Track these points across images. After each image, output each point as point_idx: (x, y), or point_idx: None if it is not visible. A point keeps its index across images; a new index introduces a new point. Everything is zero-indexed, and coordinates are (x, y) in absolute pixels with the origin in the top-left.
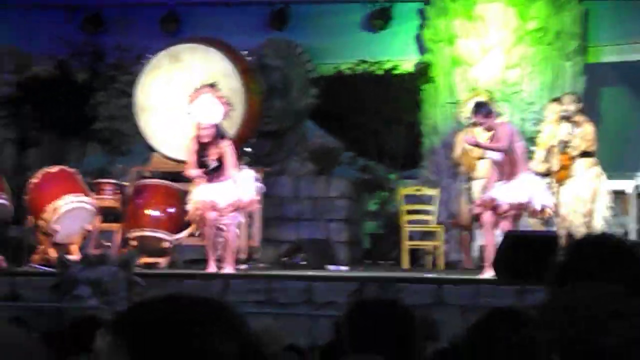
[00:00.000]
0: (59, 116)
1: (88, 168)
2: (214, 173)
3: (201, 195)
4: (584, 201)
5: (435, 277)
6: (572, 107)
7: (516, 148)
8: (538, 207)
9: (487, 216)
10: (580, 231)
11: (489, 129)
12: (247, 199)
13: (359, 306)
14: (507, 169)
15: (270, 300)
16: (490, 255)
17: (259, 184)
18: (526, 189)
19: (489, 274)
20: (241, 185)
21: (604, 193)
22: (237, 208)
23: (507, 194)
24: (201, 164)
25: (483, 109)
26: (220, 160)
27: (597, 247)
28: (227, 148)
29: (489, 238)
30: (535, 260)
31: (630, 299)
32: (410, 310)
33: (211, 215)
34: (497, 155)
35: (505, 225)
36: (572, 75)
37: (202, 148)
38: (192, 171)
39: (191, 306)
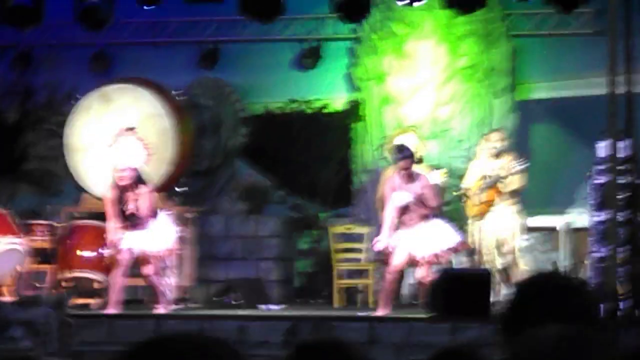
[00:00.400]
0: None
1: (18, 208)
2: (133, 221)
3: (123, 242)
4: (506, 238)
5: (369, 316)
6: (499, 144)
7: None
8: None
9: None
10: (504, 268)
11: (409, 176)
12: (163, 248)
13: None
14: (416, 214)
15: None
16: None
17: (179, 229)
18: (435, 235)
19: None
20: (158, 234)
21: (523, 229)
22: (155, 258)
23: (418, 243)
24: (121, 212)
25: (406, 152)
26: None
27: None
28: (144, 195)
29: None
30: (469, 297)
31: (593, 338)
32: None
33: (124, 258)
34: (409, 199)
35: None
36: (502, 112)
37: (122, 193)
38: (110, 226)
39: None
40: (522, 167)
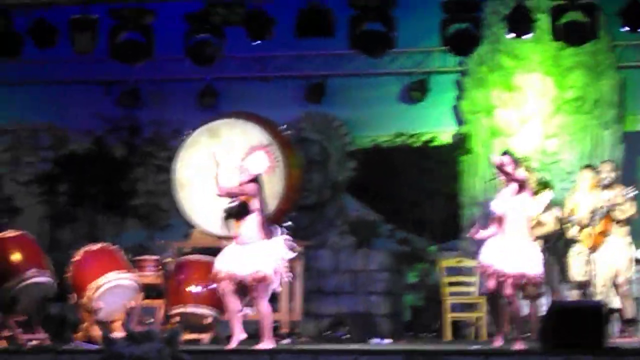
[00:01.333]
0: (96, 192)
1: (126, 244)
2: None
3: None
4: (619, 269)
5: (482, 349)
6: (611, 175)
7: None
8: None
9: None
10: (618, 301)
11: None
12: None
13: None
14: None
15: None
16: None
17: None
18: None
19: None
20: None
21: (634, 261)
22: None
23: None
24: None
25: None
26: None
27: None
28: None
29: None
30: (582, 330)
31: None
32: None
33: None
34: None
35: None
36: (610, 143)
37: None
38: None
39: None
40: (634, 193)
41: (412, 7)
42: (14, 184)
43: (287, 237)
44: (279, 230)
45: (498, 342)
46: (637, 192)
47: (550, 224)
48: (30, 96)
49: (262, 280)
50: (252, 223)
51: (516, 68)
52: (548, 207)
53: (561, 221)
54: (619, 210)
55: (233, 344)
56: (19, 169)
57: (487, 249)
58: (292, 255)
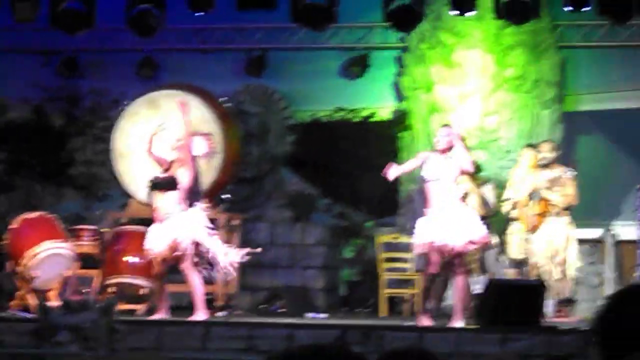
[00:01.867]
0: (34, 161)
1: (64, 213)
2: None
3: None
4: (557, 249)
5: (416, 325)
6: (550, 155)
7: None
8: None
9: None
10: (555, 279)
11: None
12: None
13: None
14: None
15: (252, 347)
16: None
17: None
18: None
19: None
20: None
21: (574, 241)
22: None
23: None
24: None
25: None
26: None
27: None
28: None
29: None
30: (519, 308)
31: None
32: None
33: None
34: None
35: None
36: (550, 123)
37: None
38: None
39: None
40: (572, 174)
41: None
42: None
43: (204, 206)
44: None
45: (427, 322)
46: (575, 173)
47: (489, 203)
48: None
49: (183, 251)
50: (172, 197)
51: (457, 45)
52: (485, 185)
53: (500, 200)
54: (560, 194)
55: (158, 316)
56: None
57: (423, 226)
58: (209, 224)
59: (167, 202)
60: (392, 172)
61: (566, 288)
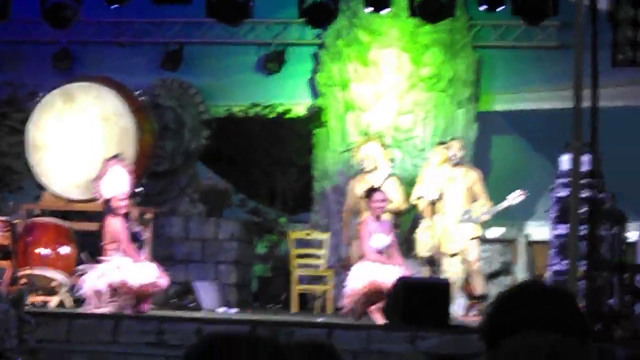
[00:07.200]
0: None
1: None
2: (141, 243)
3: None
4: (466, 248)
5: (327, 322)
6: (459, 153)
7: None
8: None
9: None
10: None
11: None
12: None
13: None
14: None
15: (162, 342)
16: None
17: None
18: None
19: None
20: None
21: (483, 240)
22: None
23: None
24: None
25: (379, 195)
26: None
27: (525, 296)
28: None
29: None
30: (428, 306)
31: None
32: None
33: None
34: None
35: None
36: (464, 122)
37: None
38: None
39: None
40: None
41: None
42: None
43: None
44: None
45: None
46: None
47: (398, 201)
48: None
49: None
50: None
51: (373, 43)
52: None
53: (409, 197)
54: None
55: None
56: None
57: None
58: None
59: None
60: None
61: (478, 285)
